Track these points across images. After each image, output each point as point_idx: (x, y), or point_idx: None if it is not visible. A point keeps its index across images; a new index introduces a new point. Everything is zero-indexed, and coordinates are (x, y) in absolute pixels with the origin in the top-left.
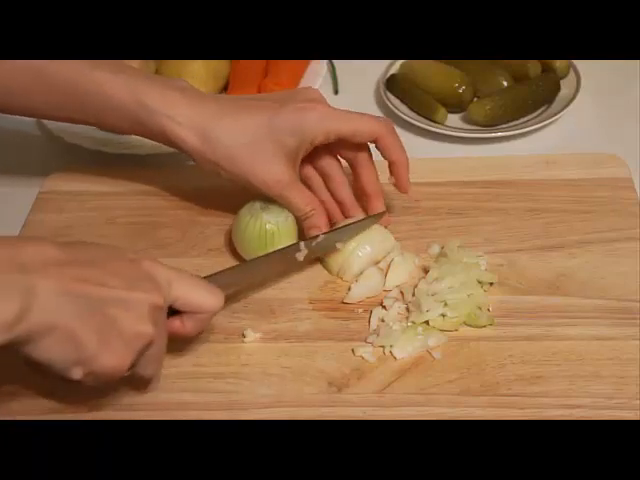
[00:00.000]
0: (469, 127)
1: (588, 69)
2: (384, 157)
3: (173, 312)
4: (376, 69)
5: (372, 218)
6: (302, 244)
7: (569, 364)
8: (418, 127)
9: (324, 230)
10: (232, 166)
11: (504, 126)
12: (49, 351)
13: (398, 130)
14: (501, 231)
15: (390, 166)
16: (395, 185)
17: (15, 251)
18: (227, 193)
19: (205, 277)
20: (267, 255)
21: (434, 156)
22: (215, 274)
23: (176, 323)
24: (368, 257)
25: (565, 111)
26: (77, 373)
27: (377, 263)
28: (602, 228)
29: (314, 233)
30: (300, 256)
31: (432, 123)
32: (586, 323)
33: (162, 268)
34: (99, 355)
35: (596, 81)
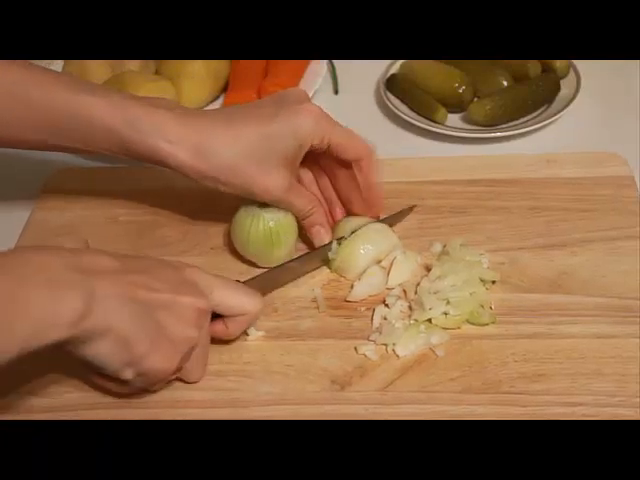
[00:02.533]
0: (469, 127)
1: (588, 69)
2: (361, 180)
3: (215, 316)
4: (376, 69)
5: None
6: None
7: (571, 362)
8: (418, 127)
9: (325, 227)
10: (232, 177)
11: (504, 126)
12: (103, 352)
13: (398, 130)
14: (503, 229)
15: (365, 189)
16: (368, 211)
17: (73, 258)
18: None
19: (245, 281)
20: (301, 257)
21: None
22: (254, 278)
23: (220, 326)
24: (371, 255)
25: (565, 111)
26: (128, 374)
27: (380, 261)
28: (603, 226)
29: (316, 230)
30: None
31: (432, 123)
32: (588, 321)
33: (203, 275)
34: (149, 357)
35: (596, 81)
